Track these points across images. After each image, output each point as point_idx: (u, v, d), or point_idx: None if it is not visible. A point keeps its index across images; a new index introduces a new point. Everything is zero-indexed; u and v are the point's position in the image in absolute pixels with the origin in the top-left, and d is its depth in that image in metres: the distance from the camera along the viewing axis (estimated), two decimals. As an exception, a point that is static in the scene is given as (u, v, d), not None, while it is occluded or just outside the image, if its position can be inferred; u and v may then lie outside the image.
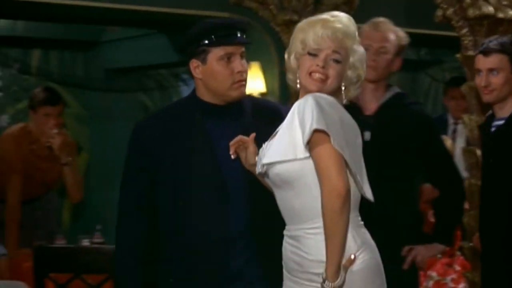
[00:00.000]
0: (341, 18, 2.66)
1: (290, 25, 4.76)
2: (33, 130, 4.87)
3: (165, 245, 2.85)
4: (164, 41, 6.37)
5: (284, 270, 2.68)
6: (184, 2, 4.87)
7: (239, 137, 2.77)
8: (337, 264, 2.51)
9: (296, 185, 2.61)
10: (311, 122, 2.52)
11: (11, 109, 6.84)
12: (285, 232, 2.68)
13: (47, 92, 4.93)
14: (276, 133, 2.67)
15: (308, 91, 2.61)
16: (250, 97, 2.84)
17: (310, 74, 2.61)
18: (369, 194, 2.65)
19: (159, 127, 2.82)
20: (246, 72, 2.81)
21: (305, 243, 2.61)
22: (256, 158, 2.75)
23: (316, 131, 2.51)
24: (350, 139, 2.63)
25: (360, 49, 2.70)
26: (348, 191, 2.51)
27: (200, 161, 2.76)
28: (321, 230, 2.54)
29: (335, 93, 2.65)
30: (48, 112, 4.73)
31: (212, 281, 2.77)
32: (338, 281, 2.49)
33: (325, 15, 2.66)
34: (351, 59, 2.66)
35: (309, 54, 2.60)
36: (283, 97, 5.11)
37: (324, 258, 2.52)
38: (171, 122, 2.80)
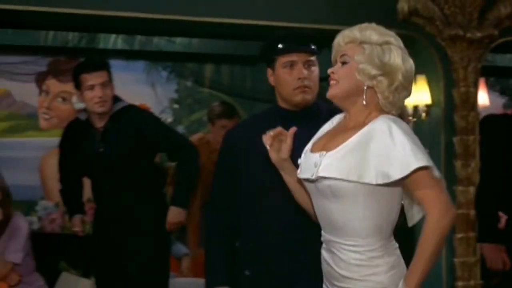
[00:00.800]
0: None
1: (455, 39, 4.87)
2: (211, 140, 5.27)
3: (244, 240, 3.11)
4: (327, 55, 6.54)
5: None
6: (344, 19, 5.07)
7: (279, 128, 2.81)
8: (420, 283, 2.57)
9: (346, 202, 2.63)
10: (409, 159, 2.53)
11: (186, 120, 7.21)
12: (322, 238, 2.74)
13: (224, 106, 5.32)
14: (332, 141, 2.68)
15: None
16: (327, 103, 2.91)
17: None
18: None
19: (244, 133, 3.13)
20: (308, 78, 3.03)
21: (336, 256, 2.67)
22: (295, 156, 2.78)
23: (418, 168, 2.53)
24: None
25: None
26: (455, 214, 2.61)
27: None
28: (354, 249, 2.62)
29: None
30: (224, 124, 5.09)
31: (286, 276, 2.99)
32: None
33: None
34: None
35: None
36: (448, 108, 5.21)
37: (350, 275, 2.62)
38: (254, 128, 3.02)
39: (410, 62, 2.68)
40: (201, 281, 4.59)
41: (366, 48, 2.66)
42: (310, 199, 2.77)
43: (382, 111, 2.66)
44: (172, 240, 4.65)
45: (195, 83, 7.35)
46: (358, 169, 2.58)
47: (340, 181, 2.60)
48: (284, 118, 3.02)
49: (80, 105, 4.35)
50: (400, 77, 2.64)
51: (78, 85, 4.15)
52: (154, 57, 7.01)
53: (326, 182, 2.63)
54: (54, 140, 4.67)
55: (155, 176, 4.36)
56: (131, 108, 4.30)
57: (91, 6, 4.55)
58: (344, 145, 2.63)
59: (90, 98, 4.10)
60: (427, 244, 2.56)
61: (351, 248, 2.64)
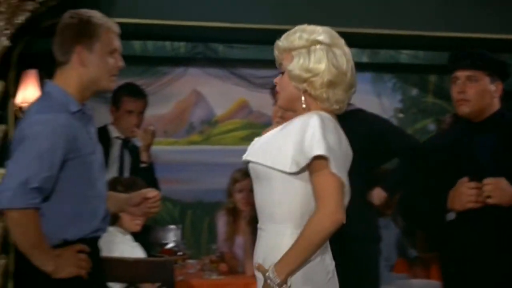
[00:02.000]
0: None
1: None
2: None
3: None
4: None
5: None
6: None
7: None
8: (292, 271, 2.64)
9: (264, 185, 2.76)
10: (312, 146, 2.63)
11: (410, 129, 7.28)
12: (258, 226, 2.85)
13: (455, 117, 5.46)
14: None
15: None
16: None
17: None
18: None
19: (437, 143, 3.67)
20: (464, 92, 3.43)
21: (258, 241, 2.79)
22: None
23: (317, 156, 2.62)
24: (346, 160, 2.77)
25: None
26: (343, 220, 2.65)
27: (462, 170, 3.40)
28: (265, 234, 2.75)
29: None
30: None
31: None
32: (287, 285, 2.64)
33: None
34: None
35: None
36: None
37: (257, 260, 2.73)
38: (445, 139, 3.60)
39: (339, 56, 2.78)
40: (433, 282, 4.79)
41: (294, 55, 2.77)
42: None
43: (323, 109, 2.77)
44: (405, 245, 4.89)
45: (420, 92, 7.56)
46: (275, 156, 2.72)
47: (257, 165, 2.75)
48: (469, 128, 3.48)
49: None
50: (328, 74, 2.74)
51: None
52: (380, 69, 7.32)
53: (250, 165, 2.79)
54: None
55: (369, 181, 4.37)
56: (361, 110, 4.42)
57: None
58: (270, 133, 2.81)
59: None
60: (303, 239, 2.65)
61: (269, 234, 2.76)
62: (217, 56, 6.76)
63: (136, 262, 3.61)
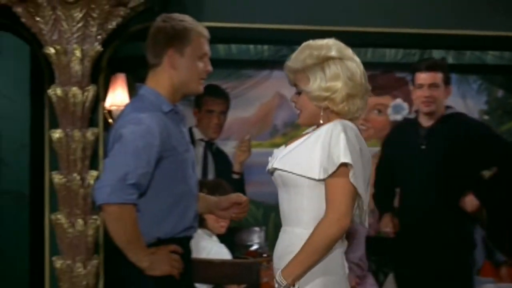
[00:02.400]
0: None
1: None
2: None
3: None
4: None
5: None
6: None
7: None
8: (299, 275, 2.76)
9: (293, 192, 2.87)
10: (339, 153, 2.73)
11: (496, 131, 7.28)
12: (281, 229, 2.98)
13: None
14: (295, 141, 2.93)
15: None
16: None
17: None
18: (366, 223, 2.92)
19: None
20: None
21: (280, 240, 2.92)
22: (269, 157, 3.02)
23: (342, 163, 2.73)
24: (366, 168, 2.83)
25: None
26: (348, 227, 2.77)
27: None
28: (288, 236, 2.88)
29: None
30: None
31: None
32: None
33: None
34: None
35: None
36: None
37: (274, 259, 2.88)
38: None
39: (352, 68, 2.86)
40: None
41: (310, 76, 2.86)
42: None
43: (343, 118, 2.87)
44: (492, 248, 4.80)
45: (506, 93, 7.42)
46: (304, 164, 2.83)
47: (286, 173, 2.87)
48: None
49: (395, 117, 4.63)
50: (345, 87, 2.84)
51: (413, 82, 4.39)
52: (465, 70, 7.21)
53: (277, 173, 2.90)
54: (370, 149, 4.96)
55: (461, 187, 4.32)
56: (462, 114, 4.47)
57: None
58: (297, 142, 2.91)
59: (417, 96, 4.35)
60: (310, 244, 2.77)
61: (292, 235, 2.88)
62: (301, 59, 6.75)
63: (222, 263, 3.65)
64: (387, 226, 4.46)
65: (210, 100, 5.01)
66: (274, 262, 2.97)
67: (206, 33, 3.22)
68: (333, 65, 2.86)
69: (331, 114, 2.89)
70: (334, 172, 2.78)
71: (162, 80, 3.18)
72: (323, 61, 2.87)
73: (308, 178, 2.84)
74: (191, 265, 3.23)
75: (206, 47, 3.21)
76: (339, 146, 2.76)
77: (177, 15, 3.22)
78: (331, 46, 2.91)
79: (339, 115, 2.88)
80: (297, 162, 2.87)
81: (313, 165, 2.82)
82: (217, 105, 5.03)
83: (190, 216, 3.16)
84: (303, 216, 2.88)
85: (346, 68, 2.87)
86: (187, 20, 3.21)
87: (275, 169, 2.93)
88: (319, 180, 2.82)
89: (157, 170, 3.04)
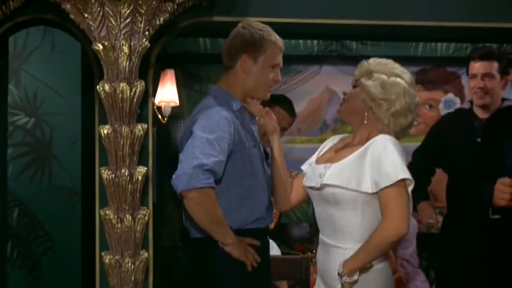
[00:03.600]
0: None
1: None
2: None
3: None
4: None
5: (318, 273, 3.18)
6: None
7: None
8: (357, 269, 2.96)
9: (347, 208, 3.01)
10: (397, 170, 2.93)
11: None
12: (319, 240, 3.17)
13: None
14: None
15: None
16: None
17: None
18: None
19: None
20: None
21: (332, 257, 3.05)
22: (304, 168, 3.25)
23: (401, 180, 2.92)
24: None
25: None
26: (406, 233, 2.94)
27: None
28: (347, 252, 3.00)
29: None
30: None
31: None
32: (353, 278, 2.96)
33: None
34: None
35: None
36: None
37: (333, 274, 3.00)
38: None
39: (413, 97, 3.08)
40: None
41: (375, 75, 3.09)
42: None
43: (382, 131, 3.06)
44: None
45: None
46: (357, 179, 2.98)
47: (341, 189, 3.00)
48: None
49: (447, 112, 4.49)
50: (397, 105, 3.05)
51: (467, 71, 4.28)
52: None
53: (330, 190, 3.03)
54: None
55: None
56: None
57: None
58: (348, 158, 3.04)
59: (471, 87, 4.23)
60: (371, 243, 2.96)
61: (346, 252, 3.02)
62: (351, 54, 6.72)
63: (272, 259, 3.64)
64: (431, 217, 4.36)
65: (280, 113, 5.00)
66: (333, 277, 3.07)
67: (281, 44, 3.41)
68: (400, 83, 3.08)
69: (372, 117, 3.10)
70: (392, 185, 2.95)
71: (233, 82, 3.38)
72: (394, 76, 3.10)
73: (362, 192, 2.99)
74: (267, 257, 3.42)
75: (279, 58, 3.40)
76: (396, 163, 2.96)
77: (257, 24, 3.42)
78: (408, 75, 3.14)
79: (377, 122, 3.10)
80: (350, 177, 3.01)
81: (365, 180, 2.98)
82: (284, 120, 5.00)
83: (261, 208, 3.34)
84: (356, 231, 3.04)
85: (409, 94, 3.08)
86: (266, 30, 3.39)
87: (325, 185, 3.06)
88: (371, 194, 2.99)
89: (228, 163, 3.24)
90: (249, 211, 3.31)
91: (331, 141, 3.33)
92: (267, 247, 3.46)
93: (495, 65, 4.18)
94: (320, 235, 3.20)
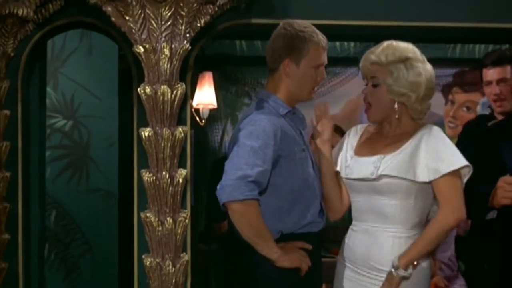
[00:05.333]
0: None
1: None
2: None
3: None
4: None
5: (344, 260, 3.22)
6: None
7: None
8: (413, 261, 3.02)
9: (401, 197, 3.05)
10: (459, 157, 3.01)
11: None
12: (356, 227, 3.19)
13: None
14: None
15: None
16: None
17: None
18: None
19: None
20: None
21: (383, 242, 3.08)
22: (349, 160, 3.22)
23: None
24: None
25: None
26: (463, 218, 3.04)
27: None
28: (398, 235, 3.06)
29: None
30: None
31: None
32: (407, 272, 3.00)
33: None
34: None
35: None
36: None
37: (391, 257, 3.03)
38: None
39: (429, 71, 3.09)
40: None
41: (393, 70, 3.06)
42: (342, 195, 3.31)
43: (416, 117, 3.12)
44: None
45: None
46: (414, 169, 3.02)
47: (398, 179, 3.04)
48: None
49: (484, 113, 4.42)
50: (424, 88, 3.07)
51: (481, 79, 4.14)
52: None
53: (387, 180, 3.06)
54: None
55: None
56: None
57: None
58: (401, 149, 3.07)
59: (487, 94, 4.12)
60: (429, 232, 3.03)
61: (394, 234, 3.08)
62: (388, 55, 6.66)
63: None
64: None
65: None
66: (368, 260, 3.13)
67: (324, 43, 3.37)
68: (416, 63, 3.09)
69: (404, 111, 3.13)
70: (451, 171, 3.02)
71: (279, 85, 3.35)
72: (406, 60, 3.09)
73: (418, 182, 3.05)
74: (319, 261, 3.41)
75: (323, 58, 3.37)
76: (453, 150, 3.05)
77: (298, 24, 3.34)
78: (412, 48, 3.15)
79: (409, 112, 3.12)
80: (407, 168, 3.05)
81: (422, 169, 3.03)
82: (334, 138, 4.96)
83: (313, 212, 3.31)
84: (408, 218, 3.10)
85: (425, 69, 3.10)
86: (307, 30, 3.32)
87: (383, 176, 3.08)
88: (428, 183, 3.06)
89: (276, 168, 3.21)
90: (301, 215, 3.28)
91: (355, 133, 3.33)
92: (319, 251, 3.43)
93: (509, 68, 4.11)
94: (357, 222, 3.22)
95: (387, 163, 3.09)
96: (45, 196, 5.00)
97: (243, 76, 6.82)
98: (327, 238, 6.25)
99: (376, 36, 6.22)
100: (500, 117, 4.12)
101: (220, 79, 6.71)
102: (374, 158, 3.14)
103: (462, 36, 5.65)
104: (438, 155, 3.02)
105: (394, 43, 3.17)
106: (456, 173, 3.04)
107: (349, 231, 3.30)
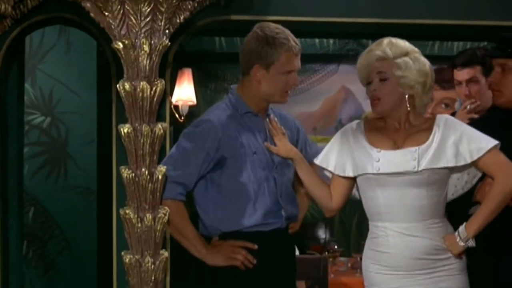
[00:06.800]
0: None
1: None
2: None
3: None
4: None
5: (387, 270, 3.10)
6: None
7: None
8: (481, 228, 3.04)
9: (437, 188, 3.08)
10: (487, 139, 3.07)
11: None
12: (383, 231, 3.10)
13: None
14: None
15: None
16: None
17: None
18: None
19: None
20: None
21: (430, 234, 3.05)
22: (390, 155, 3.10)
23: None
24: None
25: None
26: None
27: None
28: (438, 226, 3.08)
29: None
30: None
31: None
32: (472, 240, 3.03)
33: None
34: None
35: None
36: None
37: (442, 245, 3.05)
38: None
39: (428, 62, 3.14)
40: None
41: (401, 63, 3.06)
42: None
43: (421, 109, 3.14)
44: None
45: None
46: (452, 156, 3.05)
47: (438, 169, 3.06)
48: None
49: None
50: (430, 79, 3.11)
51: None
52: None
53: (428, 172, 3.05)
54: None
55: None
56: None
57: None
58: (430, 140, 3.06)
59: (459, 94, 4.25)
60: (494, 197, 3.03)
61: (440, 224, 3.09)
62: (368, 52, 6.69)
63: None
64: None
65: None
66: (434, 253, 3.10)
67: (296, 49, 3.31)
68: (418, 55, 3.12)
69: (411, 104, 3.11)
70: (489, 151, 3.08)
71: (247, 88, 3.37)
72: (409, 53, 3.11)
73: (457, 167, 3.11)
74: (288, 258, 3.44)
75: (294, 64, 3.32)
76: (478, 134, 3.10)
77: (271, 28, 3.32)
78: (408, 43, 3.17)
79: (417, 104, 3.12)
80: (443, 157, 3.07)
81: (459, 154, 3.07)
82: None
83: (262, 213, 3.29)
84: (440, 207, 3.13)
85: (426, 60, 3.14)
86: (279, 36, 3.29)
87: (425, 169, 3.06)
88: (468, 165, 3.13)
89: (223, 168, 3.25)
90: (245, 215, 3.29)
91: (356, 131, 3.23)
92: (285, 247, 3.43)
93: (479, 68, 4.12)
94: (388, 223, 3.11)
95: (427, 155, 3.07)
96: (23, 193, 4.97)
97: (222, 72, 6.82)
98: (305, 235, 6.28)
99: (356, 33, 6.26)
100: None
101: (200, 75, 6.70)
102: (412, 149, 3.08)
103: (440, 33, 5.67)
104: (472, 137, 3.08)
105: (392, 39, 3.18)
106: (492, 150, 3.09)
107: (375, 239, 3.18)
